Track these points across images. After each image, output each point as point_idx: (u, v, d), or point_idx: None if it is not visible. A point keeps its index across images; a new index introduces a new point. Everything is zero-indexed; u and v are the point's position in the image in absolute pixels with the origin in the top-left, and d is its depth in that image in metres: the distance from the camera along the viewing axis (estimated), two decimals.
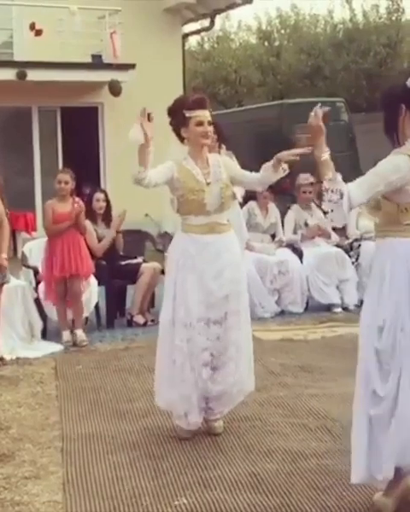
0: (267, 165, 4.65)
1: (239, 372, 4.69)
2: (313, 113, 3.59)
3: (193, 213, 4.62)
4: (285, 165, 4.63)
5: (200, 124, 4.61)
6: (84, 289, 7.32)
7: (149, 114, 4.41)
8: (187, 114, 4.61)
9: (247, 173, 4.86)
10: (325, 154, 3.56)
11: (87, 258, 7.30)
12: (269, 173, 4.66)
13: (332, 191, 3.43)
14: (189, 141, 4.68)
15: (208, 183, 4.62)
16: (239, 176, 4.83)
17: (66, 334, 7.19)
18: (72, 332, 7.23)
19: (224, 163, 4.77)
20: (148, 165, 4.43)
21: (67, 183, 7.25)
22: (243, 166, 6.92)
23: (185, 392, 4.56)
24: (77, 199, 7.30)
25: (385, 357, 3.55)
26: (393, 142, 3.64)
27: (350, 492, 3.85)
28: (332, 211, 3.45)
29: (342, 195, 3.41)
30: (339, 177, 3.50)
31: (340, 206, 3.41)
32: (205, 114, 4.64)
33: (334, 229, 8.98)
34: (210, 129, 4.65)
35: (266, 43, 26.23)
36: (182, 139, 4.71)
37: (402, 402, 3.51)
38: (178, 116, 4.63)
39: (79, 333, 7.19)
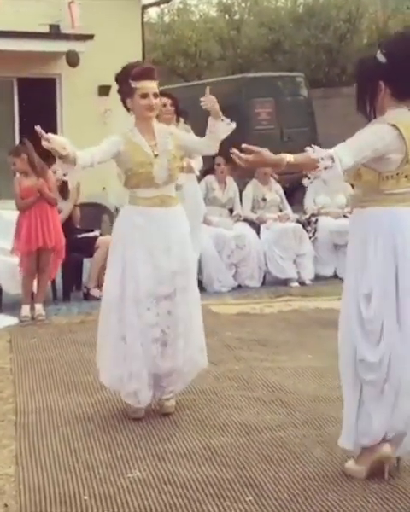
0: (210, 123, 4.57)
1: (190, 350, 4.62)
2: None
3: (142, 186, 4.51)
4: (228, 121, 4.54)
5: (145, 96, 4.43)
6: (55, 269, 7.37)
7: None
8: (132, 85, 4.44)
9: (195, 138, 4.74)
10: (288, 156, 3.48)
11: (56, 231, 7.23)
12: (213, 127, 4.52)
13: (323, 159, 3.37)
14: (134, 112, 4.55)
15: (156, 155, 4.49)
16: (191, 143, 4.71)
17: (25, 309, 7.09)
18: (32, 307, 7.16)
19: (172, 133, 4.62)
20: (76, 162, 4.22)
21: (14, 164, 7.26)
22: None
23: (136, 368, 4.47)
24: (54, 167, 7.28)
25: (372, 325, 3.62)
26: (368, 117, 3.64)
27: (302, 464, 3.89)
28: (328, 171, 3.37)
29: (333, 159, 3.36)
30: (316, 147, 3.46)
31: (336, 170, 3.37)
32: (151, 86, 4.45)
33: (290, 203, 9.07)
34: (156, 101, 4.48)
35: (226, 17, 26.04)
36: (128, 109, 4.58)
37: (395, 367, 3.59)
38: (124, 85, 4.48)
39: (38, 307, 7.12)
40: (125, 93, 4.51)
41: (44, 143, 4.16)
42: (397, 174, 3.57)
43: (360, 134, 3.53)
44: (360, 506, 3.47)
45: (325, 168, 3.37)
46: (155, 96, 4.48)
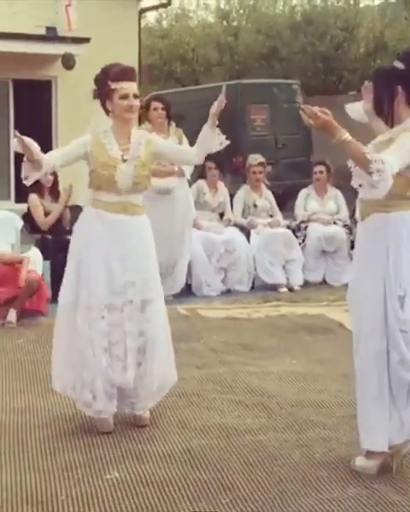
0: (204, 132, 4.50)
1: (157, 366, 4.42)
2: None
3: (104, 189, 4.35)
4: (223, 138, 4.50)
5: (125, 97, 4.30)
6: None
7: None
8: (112, 86, 4.30)
9: (178, 147, 4.64)
10: (347, 135, 3.54)
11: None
12: (206, 138, 4.47)
13: (375, 161, 3.46)
14: (113, 114, 4.39)
15: (125, 160, 4.36)
16: (172, 151, 4.67)
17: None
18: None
19: (148, 140, 4.49)
20: (42, 167, 4.19)
21: None
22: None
23: (89, 377, 4.31)
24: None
25: (406, 326, 3.68)
26: (386, 122, 3.76)
27: (280, 467, 3.90)
28: (380, 177, 3.45)
29: (383, 162, 3.45)
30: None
31: (387, 173, 3.45)
32: (131, 87, 4.33)
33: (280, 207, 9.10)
34: (136, 102, 4.37)
35: (224, 23, 26.08)
36: (107, 111, 4.42)
37: None
38: (103, 87, 4.35)
39: (12, 313, 6.96)
40: (105, 95, 4.38)
41: (19, 146, 4.15)
42: None
43: (403, 140, 3.59)
44: (336, 511, 3.48)
45: (378, 170, 3.44)
46: (135, 96, 4.37)
